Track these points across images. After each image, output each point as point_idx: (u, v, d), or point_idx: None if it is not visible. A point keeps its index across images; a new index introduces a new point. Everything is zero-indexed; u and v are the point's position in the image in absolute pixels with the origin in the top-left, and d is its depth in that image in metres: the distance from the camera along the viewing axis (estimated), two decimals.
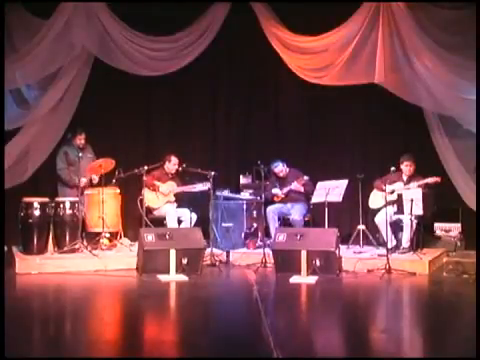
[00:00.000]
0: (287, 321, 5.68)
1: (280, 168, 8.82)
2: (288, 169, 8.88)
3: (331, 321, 5.81)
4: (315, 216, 8.76)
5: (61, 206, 8.10)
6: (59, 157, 8.56)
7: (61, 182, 8.61)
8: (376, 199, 8.37)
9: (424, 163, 8.34)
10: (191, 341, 4.98)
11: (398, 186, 8.19)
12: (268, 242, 8.29)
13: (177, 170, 8.77)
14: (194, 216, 8.50)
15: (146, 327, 5.67)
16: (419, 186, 8.05)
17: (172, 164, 8.79)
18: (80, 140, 8.57)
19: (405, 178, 8.27)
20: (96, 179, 8.59)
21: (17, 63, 8.15)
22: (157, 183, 8.72)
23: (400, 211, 7.98)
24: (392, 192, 8.09)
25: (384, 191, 7.91)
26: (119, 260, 7.90)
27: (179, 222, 8.66)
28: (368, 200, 8.47)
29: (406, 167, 8.22)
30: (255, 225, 8.79)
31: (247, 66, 9.48)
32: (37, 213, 7.97)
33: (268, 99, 9.68)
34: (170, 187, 8.80)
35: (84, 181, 8.42)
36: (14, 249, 8.14)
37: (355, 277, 7.40)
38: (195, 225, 8.39)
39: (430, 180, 8.04)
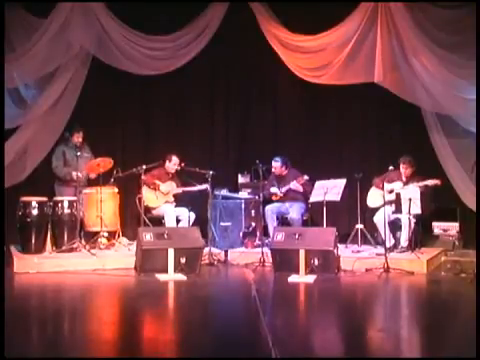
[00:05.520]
0: (285, 320, 5.68)
1: (274, 165, 8.77)
2: (285, 169, 8.86)
3: (329, 320, 5.81)
4: (313, 215, 8.76)
5: (59, 205, 8.10)
6: (55, 155, 8.55)
7: (58, 180, 8.60)
8: (374, 198, 8.37)
9: (422, 162, 8.34)
10: (189, 340, 4.98)
11: (397, 185, 8.19)
12: (266, 241, 8.29)
13: (177, 170, 8.78)
14: (192, 215, 8.50)
15: (144, 326, 5.66)
16: (419, 187, 8.04)
17: (173, 164, 8.78)
18: (78, 138, 8.55)
19: (404, 179, 8.27)
20: (94, 175, 8.57)
21: (15, 62, 8.15)
22: (157, 182, 8.72)
23: (398, 210, 7.98)
24: (391, 191, 8.09)
25: (383, 190, 7.92)
26: (117, 259, 7.89)
27: (177, 221, 8.66)
28: (366, 199, 8.47)
29: (403, 169, 8.22)
30: (253, 224, 8.79)
31: (246, 66, 9.47)
32: (35, 212, 7.96)
33: (267, 98, 9.68)
34: (169, 187, 8.80)
35: (80, 175, 8.40)
36: (12, 248, 8.13)
37: (353, 276, 7.40)
38: (193, 224, 8.38)
39: (430, 182, 7.98)
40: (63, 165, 8.53)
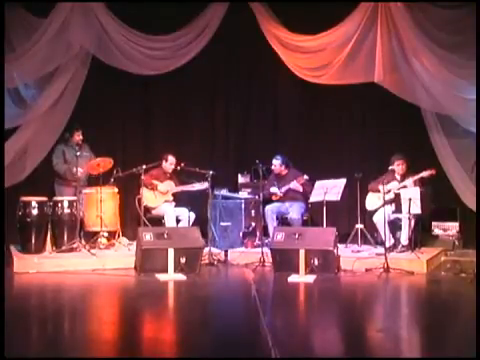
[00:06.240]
0: (285, 320, 5.68)
1: (274, 162, 8.79)
2: (285, 168, 8.87)
3: (329, 320, 5.81)
4: (313, 215, 8.77)
5: (59, 205, 8.09)
6: (55, 154, 8.55)
7: (58, 179, 8.59)
8: (373, 200, 8.36)
9: (422, 162, 8.34)
10: (189, 340, 4.98)
11: (394, 185, 8.19)
12: (266, 241, 8.29)
13: (175, 169, 8.78)
14: (192, 215, 8.50)
15: (144, 326, 5.66)
16: (415, 181, 8.07)
17: (169, 163, 8.79)
18: (78, 136, 8.55)
19: (398, 177, 8.29)
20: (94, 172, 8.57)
21: (15, 62, 8.14)
22: (155, 182, 8.72)
23: (398, 210, 7.98)
24: (388, 192, 8.09)
25: (380, 192, 7.94)
26: (117, 259, 7.89)
27: (177, 221, 8.66)
28: (365, 203, 8.46)
29: (398, 166, 8.24)
30: (253, 224, 8.79)
31: (246, 65, 9.49)
32: (35, 212, 7.95)
33: (267, 98, 9.68)
34: (168, 186, 8.81)
35: (81, 171, 8.40)
36: (12, 248, 8.13)
37: (353, 276, 7.40)
38: (193, 224, 8.38)
39: (425, 173, 8.05)
40: (63, 163, 8.53)
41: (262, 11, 8.65)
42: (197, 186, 8.59)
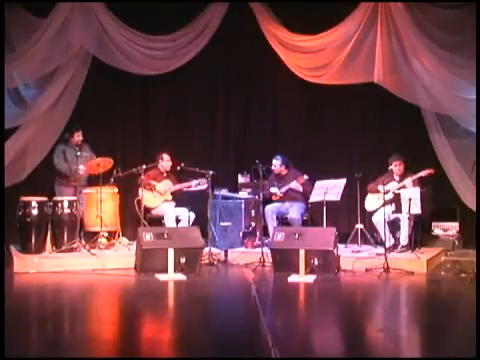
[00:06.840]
0: (285, 320, 5.68)
1: (274, 162, 8.79)
2: (285, 169, 8.87)
3: (329, 320, 5.81)
4: (313, 215, 8.77)
5: (59, 205, 8.09)
6: (55, 154, 8.55)
7: (59, 178, 8.58)
8: (372, 201, 8.36)
9: (422, 162, 8.35)
10: (189, 340, 4.97)
11: (392, 186, 8.19)
12: (266, 241, 8.29)
13: (172, 167, 8.78)
14: (192, 215, 8.49)
15: (144, 326, 5.66)
16: (413, 181, 8.08)
17: (165, 161, 8.81)
18: (78, 137, 8.55)
19: (397, 178, 8.29)
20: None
21: (15, 62, 8.15)
22: (153, 182, 8.72)
23: (398, 210, 7.98)
24: (387, 192, 8.09)
25: (379, 192, 7.94)
26: (117, 259, 7.89)
27: (177, 221, 8.66)
28: (364, 204, 8.46)
29: (396, 167, 8.25)
30: (253, 224, 8.79)
31: (246, 65, 9.49)
32: (35, 212, 7.95)
33: (266, 98, 9.68)
34: (166, 186, 8.81)
35: (83, 169, 8.40)
36: (12, 248, 8.13)
37: (353, 276, 7.40)
38: (193, 224, 8.38)
39: (423, 173, 8.06)
40: (64, 162, 8.53)
41: (262, 11, 8.66)
42: (195, 184, 8.59)
